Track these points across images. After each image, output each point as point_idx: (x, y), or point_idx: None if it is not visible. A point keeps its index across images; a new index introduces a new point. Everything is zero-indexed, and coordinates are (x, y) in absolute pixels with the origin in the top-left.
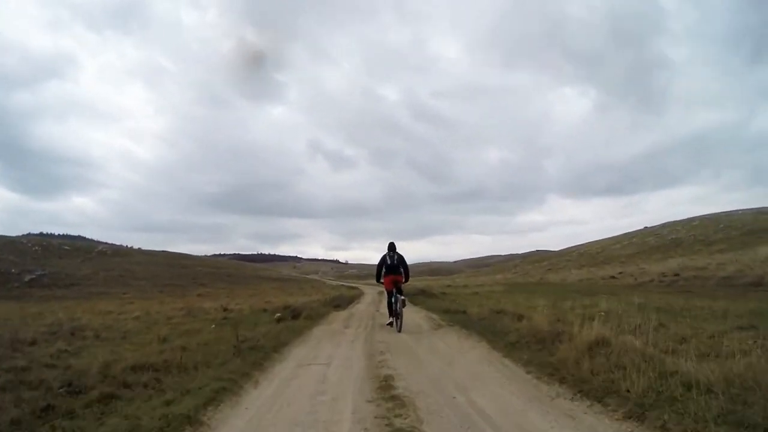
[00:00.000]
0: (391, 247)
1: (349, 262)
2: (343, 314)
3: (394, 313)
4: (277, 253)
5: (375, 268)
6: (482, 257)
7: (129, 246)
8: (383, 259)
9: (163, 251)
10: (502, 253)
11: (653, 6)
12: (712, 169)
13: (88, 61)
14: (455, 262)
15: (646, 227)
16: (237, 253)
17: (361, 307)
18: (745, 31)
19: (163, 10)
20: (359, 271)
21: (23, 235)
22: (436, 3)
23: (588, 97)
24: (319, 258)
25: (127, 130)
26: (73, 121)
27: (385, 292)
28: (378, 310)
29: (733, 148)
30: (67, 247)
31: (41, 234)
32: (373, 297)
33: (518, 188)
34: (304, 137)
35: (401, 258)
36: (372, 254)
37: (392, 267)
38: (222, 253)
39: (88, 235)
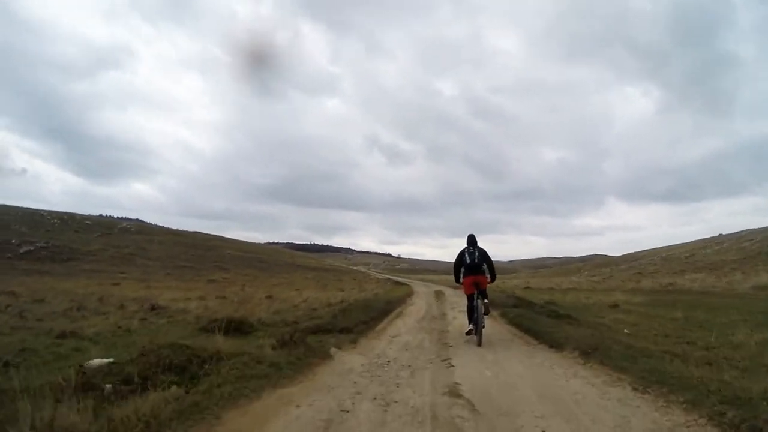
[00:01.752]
0: (471, 240)
1: (402, 256)
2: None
3: (474, 320)
4: (330, 244)
5: (426, 264)
6: (538, 258)
7: (159, 225)
8: (461, 255)
9: (195, 232)
10: (558, 256)
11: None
12: None
13: (144, 51)
14: (510, 261)
15: (721, 234)
16: (290, 242)
17: (409, 321)
18: None
19: (217, 1)
20: (411, 265)
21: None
22: None
23: (650, 97)
24: (372, 251)
25: (183, 120)
26: (132, 111)
27: (462, 296)
28: (446, 329)
29: None
30: (88, 222)
31: (100, 216)
32: (428, 300)
33: (575, 190)
34: (359, 131)
35: (484, 253)
36: (424, 250)
37: (474, 266)
38: (276, 241)
39: (146, 220)
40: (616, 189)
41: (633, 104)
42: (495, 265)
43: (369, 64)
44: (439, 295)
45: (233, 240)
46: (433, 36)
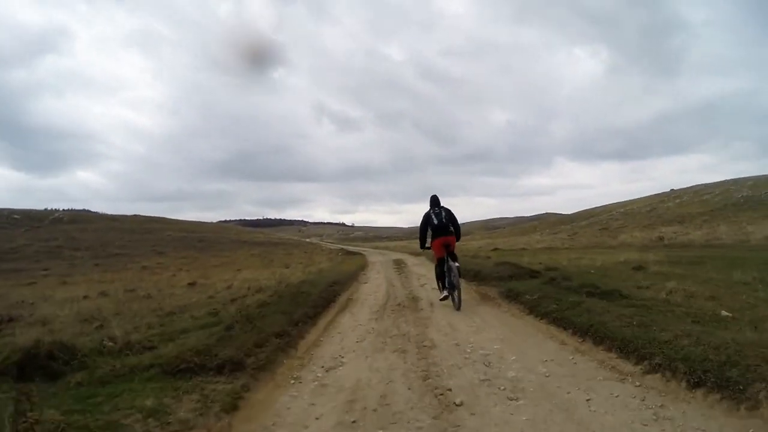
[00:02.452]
0: (435, 201)
1: (356, 224)
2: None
3: (449, 284)
4: (283, 218)
5: (381, 231)
6: (490, 219)
7: (95, 211)
8: (427, 217)
9: (134, 215)
10: (509, 216)
11: None
12: (721, 138)
13: (82, 31)
14: (462, 224)
15: (672, 189)
16: (242, 219)
17: (362, 316)
18: None
19: None
20: (365, 233)
21: None
22: None
23: (599, 59)
24: (326, 221)
25: (126, 101)
26: (71, 95)
27: (429, 265)
28: (427, 336)
29: (743, 117)
30: (16, 216)
31: (31, 209)
32: (387, 274)
33: (525, 151)
34: (307, 100)
35: (450, 213)
36: (377, 217)
37: (441, 227)
38: (227, 219)
39: (93, 209)
40: (565, 149)
41: (582, 66)
42: None
43: (315, 30)
44: (400, 265)
45: (176, 221)
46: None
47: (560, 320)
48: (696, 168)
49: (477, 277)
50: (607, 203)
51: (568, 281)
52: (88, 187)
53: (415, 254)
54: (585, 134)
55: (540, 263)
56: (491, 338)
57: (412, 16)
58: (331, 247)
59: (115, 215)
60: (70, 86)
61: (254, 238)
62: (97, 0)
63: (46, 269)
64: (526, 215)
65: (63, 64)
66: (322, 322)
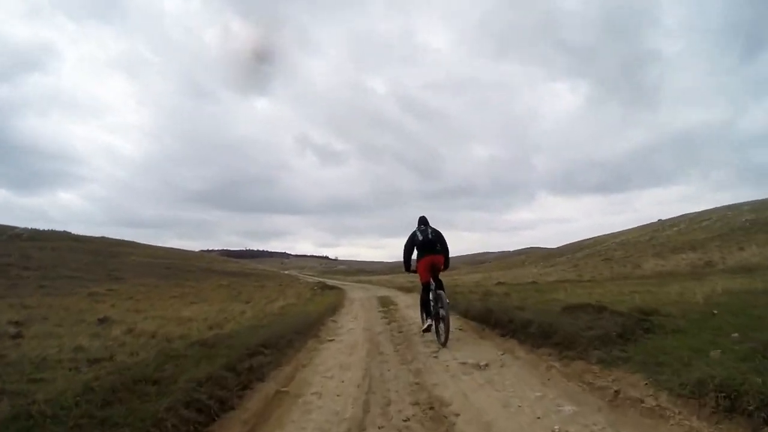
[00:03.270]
0: (423, 221)
1: (339, 258)
2: None
3: (434, 314)
4: (266, 249)
5: (363, 264)
6: (476, 253)
7: (59, 230)
8: (412, 236)
9: (101, 237)
10: (494, 250)
11: None
12: (700, 167)
13: (69, 52)
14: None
15: (660, 219)
16: (225, 249)
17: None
18: (738, 27)
19: None
20: (348, 266)
21: None
22: None
23: (579, 93)
24: (309, 254)
25: (110, 124)
26: (56, 115)
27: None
28: None
29: (721, 146)
30: None
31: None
32: (368, 319)
33: (507, 185)
34: (290, 131)
35: (438, 234)
36: (360, 251)
37: (429, 243)
38: (210, 248)
39: (74, 231)
40: (547, 183)
41: (561, 100)
42: None
43: (299, 61)
44: (386, 305)
45: (146, 245)
46: (365, 32)
47: None
48: (677, 198)
49: (555, 340)
50: (594, 235)
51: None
52: (69, 209)
53: (405, 289)
54: (566, 167)
55: (597, 301)
56: None
57: (396, 51)
58: (309, 280)
59: (81, 235)
60: (55, 106)
61: (227, 268)
62: (86, 20)
63: None
64: (510, 249)
65: (48, 83)
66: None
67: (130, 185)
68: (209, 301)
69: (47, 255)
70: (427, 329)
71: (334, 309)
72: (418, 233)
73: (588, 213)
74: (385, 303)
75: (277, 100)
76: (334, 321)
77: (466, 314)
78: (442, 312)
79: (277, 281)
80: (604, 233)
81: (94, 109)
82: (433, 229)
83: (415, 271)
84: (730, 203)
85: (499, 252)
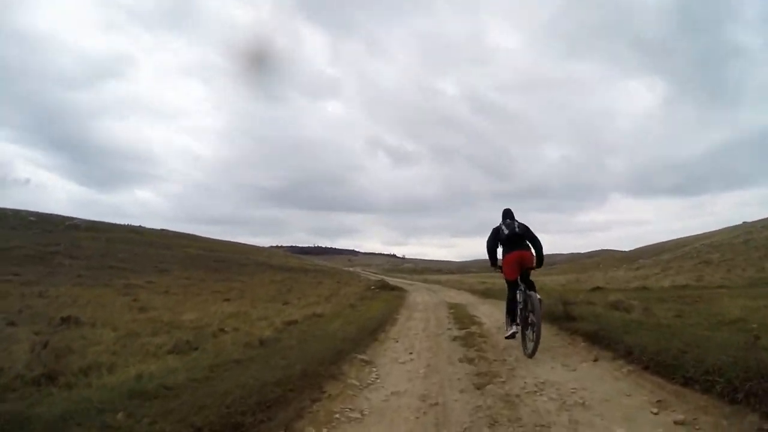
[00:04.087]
0: (508, 213)
1: (406, 256)
2: None
3: (522, 318)
4: (334, 246)
5: (431, 263)
6: (547, 255)
7: (119, 223)
8: (496, 230)
9: (161, 230)
10: (564, 252)
11: None
12: None
13: (145, 60)
14: None
15: (745, 222)
16: (294, 245)
17: None
18: None
19: (215, 8)
20: (415, 265)
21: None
22: None
23: (655, 91)
24: (377, 252)
25: (185, 127)
26: (134, 119)
27: (505, 289)
28: None
29: None
30: (32, 218)
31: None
32: (436, 358)
33: (579, 186)
34: (361, 133)
35: (526, 228)
36: (429, 249)
37: (515, 237)
38: (280, 245)
39: (149, 226)
40: (620, 184)
41: (637, 99)
42: None
43: (369, 65)
44: (461, 319)
45: (206, 238)
46: (434, 35)
47: None
48: (758, 200)
49: None
50: (670, 238)
51: None
52: (145, 205)
53: (480, 293)
54: (641, 169)
55: None
56: None
57: (465, 52)
58: (371, 278)
59: (139, 227)
60: (132, 111)
61: (285, 263)
62: (159, 30)
63: (15, 275)
64: (581, 251)
65: (126, 89)
66: None
67: (205, 184)
68: (247, 299)
69: (98, 245)
70: (511, 336)
71: (384, 321)
72: (503, 227)
73: (663, 216)
74: (460, 316)
75: (348, 102)
76: (365, 361)
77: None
78: (532, 317)
79: (336, 278)
80: (680, 236)
81: (170, 113)
82: (520, 222)
83: (501, 268)
84: None
85: (569, 254)
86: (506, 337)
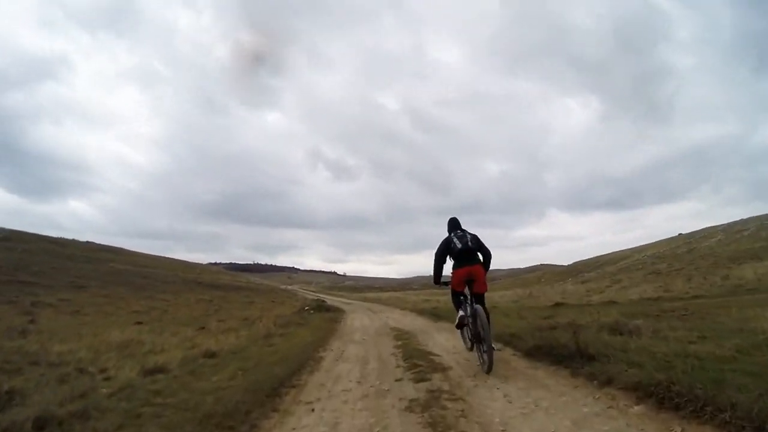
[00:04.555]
0: (455, 224)
1: (347, 274)
2: None
3: (474, 333)
4: (274, 263)
5: (371, 281)
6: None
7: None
8: (446, 242)
9: (87, 242)
10: (504, 268)
11: (659, 13)
12: (712, 183)
13: (82, 63)
14: None
15: (680, 234)
16: (233, 262)
17: None
18: (751, 40)
19: (156, 11)
20: (356, 282)
21: None
22: (436, 6)
23: (591, 108)
24: (317, 269)
25: (122, 135)
26: (69, 124)
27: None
28: None
29: (733, 161)
30: None
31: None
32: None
33: (517, 201)
34: (301, 145)
35: (477, 239)
36: (369, 267)
37: (467, 252)
38: (218, 261)
39: (82, 239)
40: (557, 199)
41: (573, 115)
42: None
43: (310, 76)
44: (415, 357)
45: (133, 252)
46: (376, 47)
47: None
48: (687, 215)
49: None
50: (607, 252)
51: None
52: (80, 217)
53: (429, 314)
54: (577, 184)
55: None
56: None
57: (408, 66)
58: (308, 296)
59: (61, 238)
60: (68, 115)
61: (217, 281)
62: (99, 33)
63: None
64: (520, 266)
65: (62, 93)
66: None
67: (142, 196)
68: (166, 321)
69: (12, 257)
70: (460, 322)
71: (292, 373)
72: (455, 239)
73: (598, 230)
74: (412, 352)
75: (289, 114)
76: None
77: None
78: (480, 331)
79: (270, 297)
80: (617, 249)
81: (106, 119)
82: (471, 234)
83: (446, 284)
84: (744, 217)
85: (508, 269)
86: (456, 326)
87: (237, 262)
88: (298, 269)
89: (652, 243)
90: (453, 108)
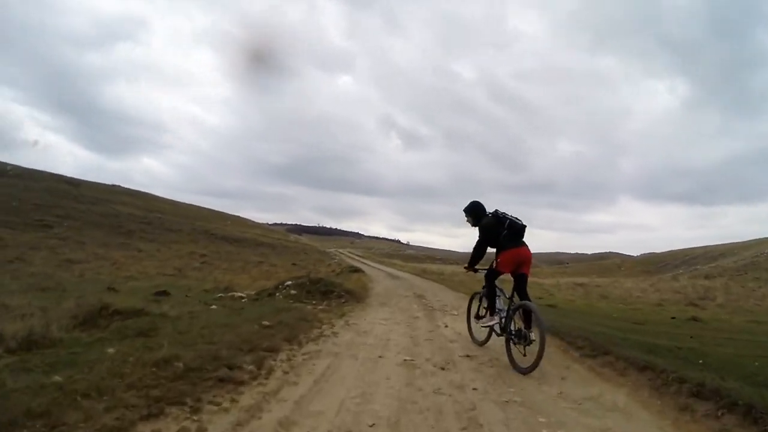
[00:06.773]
0: (484, 207)
1: (411, 243)
2: None
3: (522, 335)
4: (339, 227)
5: (434, 252)
6: (550, 253)
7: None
8: (496, 222)
9: (107, 185)
10: (569, 252)
11: None
12: None
13: (158, 24)
14: None
15: None
16: (298, 224)
17: None
18: None
19: None
20: (417, 252)
21: None
22: None
23: (676, 93)
24: (381, 236)
25: (195, 96)
26: (144, 84)
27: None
28: None
29: None
30: None
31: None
32: None
33: (589, 185)
34: (372, 111)
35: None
36: (434, 238)
37: (519, 233)
38: (283, 222)
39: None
40: (631, 186)
41: (657, 99)
42: None
43: (385, 41)
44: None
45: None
46: (453, 14)
47: None
48: (766, 218)
49: None
50: (680, 247)
51: None
52: (152, 174)
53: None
54: (653, 172)
55: None
56: None
57: (485, 35)
58: (349, 262)
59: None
60: (143, 75)
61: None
62: None
63: None
64: (586, 252)
65: (137, 53)
66: None
67: (213, 156)
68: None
69: (24, 195)
70: (489, 327)
71: None
72: (510, 217)
73: (669, 223)
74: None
75: (361, 79)
76: None
77: None
78: (528, 333)
79: (296, 258)
80: (688, 246)
81: (180, 80)
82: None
83: (477, 271)
84: None
85: (574, 254)
86: (483, 326)
87: (302, 224)
88: (362, 235)
89: (750, 240)
90: (530, 81)
